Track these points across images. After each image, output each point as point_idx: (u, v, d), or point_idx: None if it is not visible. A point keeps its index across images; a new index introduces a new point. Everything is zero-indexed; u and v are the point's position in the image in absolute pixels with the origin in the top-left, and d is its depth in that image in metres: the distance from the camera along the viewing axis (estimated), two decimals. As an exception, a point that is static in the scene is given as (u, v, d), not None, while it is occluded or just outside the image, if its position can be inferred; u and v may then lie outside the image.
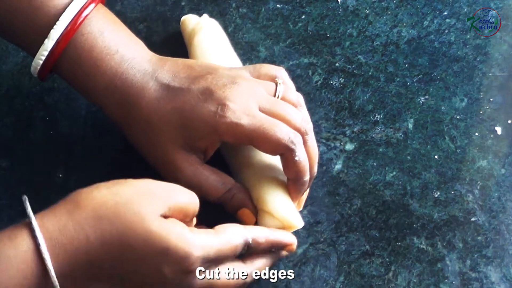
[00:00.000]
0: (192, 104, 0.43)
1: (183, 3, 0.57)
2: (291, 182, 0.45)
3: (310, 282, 0.47)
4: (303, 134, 0.44)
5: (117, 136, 0.46)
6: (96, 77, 0.44)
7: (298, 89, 0.54)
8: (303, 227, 0.48)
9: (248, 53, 0.55)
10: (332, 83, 0.55)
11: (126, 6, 0.57)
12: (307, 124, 0.45)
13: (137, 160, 0.48)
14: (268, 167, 0.47)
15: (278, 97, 0.45)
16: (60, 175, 0.50)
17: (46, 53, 0.43)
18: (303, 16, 0.57)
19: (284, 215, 0.45)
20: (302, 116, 0.45)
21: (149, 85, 0.44)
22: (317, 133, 0.52)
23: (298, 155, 0.43)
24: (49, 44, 0.43)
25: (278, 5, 0.58)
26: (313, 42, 0.56)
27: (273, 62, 0.55)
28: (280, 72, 0.47)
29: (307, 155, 0.45)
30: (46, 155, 0.51)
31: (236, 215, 0.46)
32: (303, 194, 0.47)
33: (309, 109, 0.49)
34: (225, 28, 0.55)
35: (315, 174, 0.47)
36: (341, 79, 0.55)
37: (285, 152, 0.43)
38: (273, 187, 0.46)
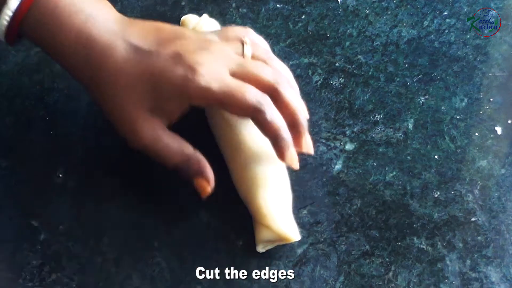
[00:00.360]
0: (161, 67, 0.43)
1: (183, 3, 0.57)
2: (271, 141, 0.45)
3: (310, 282, 0.47)
4: (275, 89, 0.44)
5: (117, 136, 0.46)
6: (60, 36, 0.43)
7: (298, 89, 0.54)
8: (303, 227, 0.48)
9: (248, 53, 0.55)
10: (332, 83, 0.55)
11: (126, 6, 0.57)
12: (278, 77, 0.45)
13: (137, 160, 0.48)
14: (267, 175, 0.47)
15: (247, 57, 0.45)
16: (60, 175, 0.50)
17: (10, 13, 0.42)
18: (303, 16, 0.57)
19: (282, 230, 0.45)
20: (271, 71, 0.45)
21: (116, 46, 0.43)
22: (317, 133, 0.52)
23: (269, 115, 0.43)
24: (12, 3, 0.42)
25: (278, 5, 0.58)
26: (313, 42, 0.56)
27: (273, 62, 0.55)
28: (246, 31, 0.47)
29: (285, 106, 0.44)
30: (46, 155, 0.51)
31: (192, 183, 0.46)
32: (289, 146, 0.45)
33: (309, 109, 0.49)
34: (225, 28, 0.55)
35: (301, 123, 0.45)
36: (341, 79, 0.55)
37: (255, 114, 0.43)
38: (272, 200, 0.46)
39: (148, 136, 0.44)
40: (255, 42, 0.47)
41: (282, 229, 0.45)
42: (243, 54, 0.45)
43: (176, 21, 0.55)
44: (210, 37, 0.46)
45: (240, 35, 0.47)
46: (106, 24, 0.44)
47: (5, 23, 0.43)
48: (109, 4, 0.46)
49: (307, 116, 0.47)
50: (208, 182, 0.45)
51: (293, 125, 0.45)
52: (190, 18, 0.54)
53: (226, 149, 0.49)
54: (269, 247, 0.47)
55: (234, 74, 0.44)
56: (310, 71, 0.55)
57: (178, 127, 0.52)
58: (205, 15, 0.53)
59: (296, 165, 0.46)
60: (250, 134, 0.48)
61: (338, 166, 0.51)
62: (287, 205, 0.47)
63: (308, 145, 0.47)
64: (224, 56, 0.44)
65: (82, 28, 0.43)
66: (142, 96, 0.43)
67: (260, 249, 0.47)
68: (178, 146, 0.45)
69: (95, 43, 0.43)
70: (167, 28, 0.45)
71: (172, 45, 0.44)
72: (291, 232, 0.46)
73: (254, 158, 0.47)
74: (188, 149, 0.45)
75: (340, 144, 0.52)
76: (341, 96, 0.54)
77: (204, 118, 0.51)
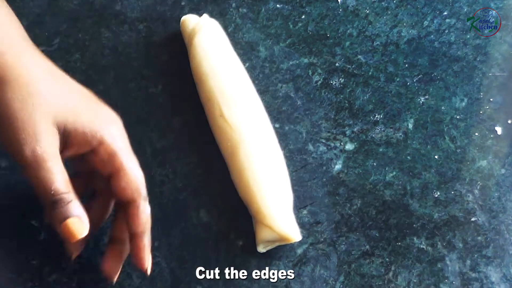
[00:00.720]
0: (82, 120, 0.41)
1: (183, 3, 0.57)
2: (133, 237, 0.43)
3: (310, 282, 0.47)
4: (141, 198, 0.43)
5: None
6: None
7: (298, 89, 0.54)
8: (303, 227, 0.48)
9: (248, 53, 0.55)
10: (332, 83, 0.55)
11: (126, 6, 0.57)
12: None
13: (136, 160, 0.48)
14: (267, 175, 0.47)
15: None
16: (60, 175, 0.50)
17: None
18: (303, 16, 0.57)
19: (283, 230, 0.46)
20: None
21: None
22: (317, 133, 0.52)
23: (146, 209, 0.43)
24: None
25: (278, 5, 0.58)
26: (313, 42, 0.56)
27: (273, 62, 0.55)
28: None
29: (141, 221, 0.43)
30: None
31: (59, 228, 0.39)
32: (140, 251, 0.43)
33: (309, 109, 0.49)
34: (225, 28, 0.55)
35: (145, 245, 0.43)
36: (341, 79, 0.55)
37: (138, 200, 0.42)
38: (272, 200, 0.46)
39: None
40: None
41: (283, 229, 0.46)
42: None
43: (176, 21, 0.55)
44: None
45: None
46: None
47: None
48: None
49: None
50: (82, 225, 0.40)
51: None
52: (190, 18, 0.54)
53: (226, 149, 0.49)
54: (269, 247, 0.47)
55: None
56: (310, 71, 0.55)
57: (178, 129, 0.52)
58: (205, 15, 0.54)
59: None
60: (250, 134, 0.48)
61: (338, 166, 0.51)
62: (288, 205, 0.47)
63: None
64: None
65: None
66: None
67: (261, 249, 0.47)
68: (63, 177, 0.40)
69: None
70: None
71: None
72: (293, 232, 0.46)
73: (254, 158, 0.47)
74: (66, 187, 0.40)
75: (340, 144, 0.52)
76: (341, 96, 0.54)
77: (205, 118, 0.51)
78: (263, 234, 0.46)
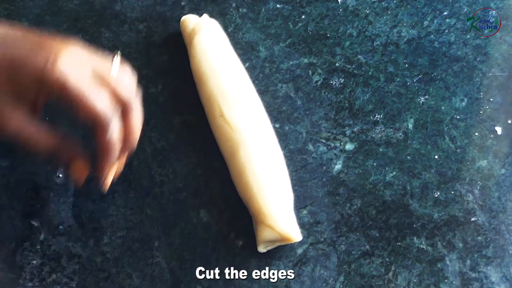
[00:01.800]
0: (23, 54, 0.42)
1: (183, 3, 0.57)
2: (98, 154, 0.44)
3: (310, 282, 0.47)
4: (128, 104, 0.43)
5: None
6: None
7: (298, 89, 0.54)
8: (303, 227, 0.48)
9: (248, 53, 0.55)
10: (332, 83, 0.55)
11: (126, 6, 0.57)
12: (134, 95, 0.44)
13: (137, 160, 0.48)
14: (268, 174, 0.47)
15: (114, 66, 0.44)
16: (60, 175, 0.50)
17: None
18: (303, 16, 0.57)
19: (284, 230, 0.46)
20: (131, 85, 0.44)
21: None
22: (317, 133, 0.52)
23: (109, 135, 0.42)
24: None
25: (278, 5, 0.58)
26: (313, 42, 0.56)
27: (273, 62, 0.55)
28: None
29: (127, 127, 0.44)
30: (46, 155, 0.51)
31: (68, 169, 0.45)
32: (110, 169, 0.45)
33: (309, 109, 0.49)
34: (225, 28, 0.55)
35: (133, 147, 0.45)
36: (341, 79, 0.55)
37: (96, 126, 0.42)
38: (273, 200, 0.46)
39: (12, 125, 0.43)
40: (124, 73, 0.46)
41: (284, 229, 0.46)
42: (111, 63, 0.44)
43: (176, 21, 0.55)
44: (77, 45, 0.44)
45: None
46: None
47: None
48: None
49: (133, 147, 0.45)
50: (84, 165, 0.44)
51: (124, 145, 0.44)
52: (190, 18, 0.54)
53: (226, 149, 0.49)
54: (270, 247, 0.47)
55: (96, 77, 0.43)
56: (310, 71, 0.55)
57: (178, 129, 0.52)
58: (205, 15, 0.54)
59: (104, 189, 0.45)
60: (250, 134, 0.48)
61: (338, 166, 0.51)
62: (288, 205, 0.47)
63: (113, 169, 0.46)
64: (92, 56, 0.43)
65: None
66: (5, 82, 0.42)
67: (261, 249, 0.47)
68: (45, 134, 0.44)
69: None
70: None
71: (43, 32, 0.43)
72: (293, 232, 0.46)
73: (254, 159, 0.47)
74: (56, 137, 0.44)
75: (340, 144, 0.52)
76: (341, 96, 0.54)
77: (205, 118, 0.51)
78: (264, 234, 0.46)
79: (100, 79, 0.42)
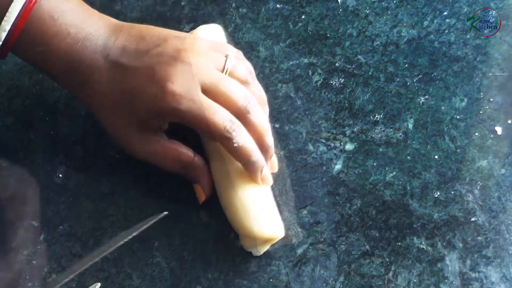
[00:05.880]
0: (137, 87, 0.44)
1: (183, 3, 0.57)
2: (242, 166, 0.46)
3: (310, 282, 0.47)
4: (244, 114, 0.45)
5: (117, 136, 0.46)
6: (50, 61, 0.45)
7: (298, 89, 0.54)
8: (303, 227, 0.48)
9: (248, 53, 0.55)
10: (332, 83, 0.55)
11: (126, 6, 0.57)
12: (248, 103, 0.45)
13: (137, 160, 0.48)
14: (248, 186, 0.46)
15: (226, 72, 0.45)
16: (60, 175, 0.50)
17: (3, 33, 0.43)
18: (303, 16, 0.57)
19: (263, 235, 0.45)
20: (244, 93, 0.45)
21: (99, 65, 0.44)
22: (317, 133, 0.52)
23: (237, 141, 0.44)
24: (4, 25, 0.43)
25: (278, 5, 0.58)
26: (313, 42, 0.56)
27: (273, 62, 0.55)
28: (237, 51, 0.48)
29: (254, 132, 0.45)
30: (46, 155, 0.51)
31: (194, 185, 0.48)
32: (261, 169, 0.46)
33: (309, 109, 0.48)
34: (225, 28, 0.55)
35: (270, 145, 0.46)
36: (341, 79, 0.55)
37: (223, 140, 0.44)
38: (252, 210, 0.45)
39: (142, 151, 0.46)
40: (240, 59, 0.47)
41: (266, 236, 0.45)
42: (223, 69, 0.45)
43: (176, 21, 0.55)
44: (194, 45, 0.45)
45: (227, 50, 0.47)
46: (92, 42, 0.45)
47: None
48: (96, 16, 0.46)
49: (269, 145, 0.47)
50: (203, 190, 0.47)
51: (261, 147, 0.46)
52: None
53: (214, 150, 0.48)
54: (264, 248, 0.47)
55: (206, 91, 0.44)
56: (310, 71, 0.55)
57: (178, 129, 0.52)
58: (201, 27, 0.52)
59: (268, 183, 0.47)
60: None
61: (338, 166, 0.51)
62: (265, 203, 0.46)
63: (274, 166, 0.49)
64: (199, 69, 0.44)
65: (70, 52, 0.44)
66: (128, 115, 0.45)
67: (256, 253, 0.47)
68: (175, 155, 0.46)
69: (81, 65, 0.44)
70: (150, 34, 0.46)
71: (147, 57, 0.44)
72: (274, 232, 0.46)
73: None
74: (186, 156, 0.46)
75: (340, 144, 0.52)
76: (341, 96, 0.54)
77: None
78: (247, 243, 0.47)
79: (212, 92, 0.44)
